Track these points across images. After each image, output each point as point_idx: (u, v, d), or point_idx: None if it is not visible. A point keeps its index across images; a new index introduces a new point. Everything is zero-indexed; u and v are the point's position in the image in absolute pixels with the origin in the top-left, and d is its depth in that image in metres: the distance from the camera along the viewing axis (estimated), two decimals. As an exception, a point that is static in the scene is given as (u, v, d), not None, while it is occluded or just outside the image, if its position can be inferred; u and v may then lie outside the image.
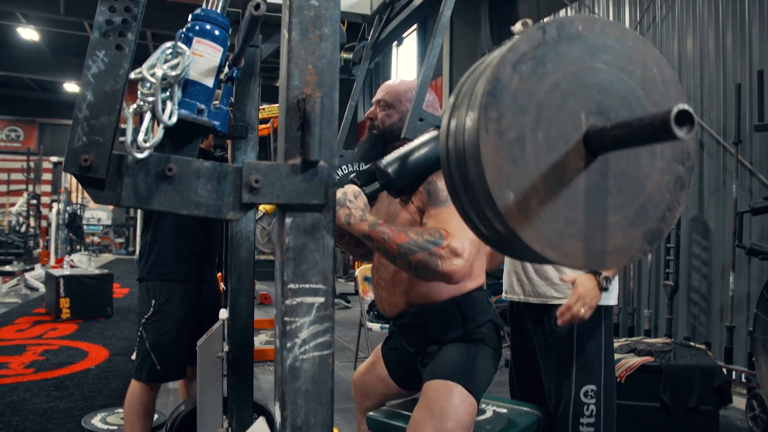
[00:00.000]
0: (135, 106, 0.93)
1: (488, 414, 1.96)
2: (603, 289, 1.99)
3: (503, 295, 2.37)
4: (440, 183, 1.67)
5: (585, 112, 0.79)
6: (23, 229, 14.60)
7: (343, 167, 2.27)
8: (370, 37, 2.05)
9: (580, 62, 0.80)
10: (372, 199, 1.66)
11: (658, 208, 0.84)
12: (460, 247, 1.53)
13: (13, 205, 15.80)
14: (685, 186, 0.86)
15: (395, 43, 12.24)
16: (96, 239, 20.58)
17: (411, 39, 11.71)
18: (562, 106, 0.78)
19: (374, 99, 1.94)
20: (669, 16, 5.49)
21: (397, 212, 1.82)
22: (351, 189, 1.62)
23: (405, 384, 2.03)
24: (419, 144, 1.54)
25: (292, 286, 0.89)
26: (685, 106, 0.66)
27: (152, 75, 0.92)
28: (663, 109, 0.74)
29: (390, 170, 1.52)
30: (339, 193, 1.61)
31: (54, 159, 17.63)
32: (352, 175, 1.70)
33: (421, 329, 1.85)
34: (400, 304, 1.87)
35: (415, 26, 10.98)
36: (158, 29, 11.49)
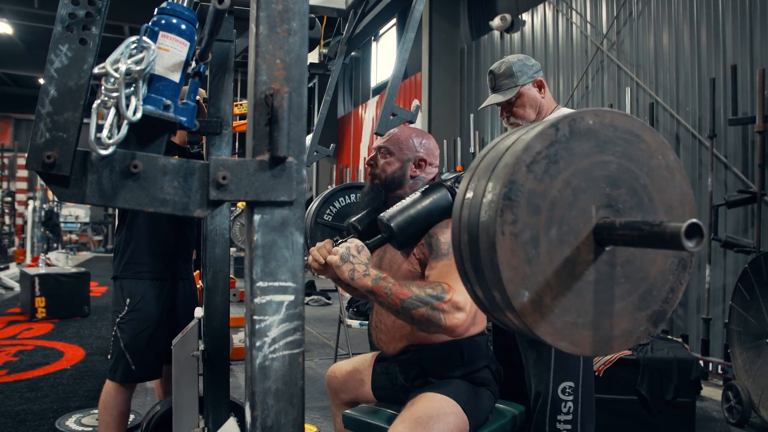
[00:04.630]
0: (99, 101, 0.91)
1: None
2: None
3: None
4: (441, 236, 1.69)
5: (595, 205, 0.82)
6: (-2, 227, 14.37)
7: (341, 199, 2.30)
8: (344, 32, 2.04)
9: (591, 156, 0.82)
10: (373, 251, 1.68)
11: (661, 290, 0.87)
12: (462, 300, 1.54)
13: (-13, 203, 15.52)
14: (687, 267, 0.88)
15: (373, 38, 12.20)
16: (74, 237, 20.32)
17: (391, 34, 11.69)
18: (573, 201, 0.81)
19: (374, 145, 1.94)
20: (645, 11, 5.53)
21: (398, 263, 1.83)
22: (354, 243, 1.64)
23: (380, 394, 2.03)
24: (420, 197, 1.57)
25: (261, 284, 0.88)
26: (695, 220, 0.67)
27: (116, 70, 0.90)
28: (668, 197, 0.81)
29: (392, 224, 1.55)
30: (342, 248, 1.64)
31: (29, 155, 17.30)
32: (351, 220, 1.72)
33: (420, 366, 1.85)
34: (402, 344, 1.88)
35: (394, 21, 10.97)
36: (136, 23, 11.33)
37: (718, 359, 4.35)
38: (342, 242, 1.65)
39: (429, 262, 1.71)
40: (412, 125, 1.91)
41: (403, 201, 1.62)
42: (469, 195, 0.86)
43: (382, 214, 1.61)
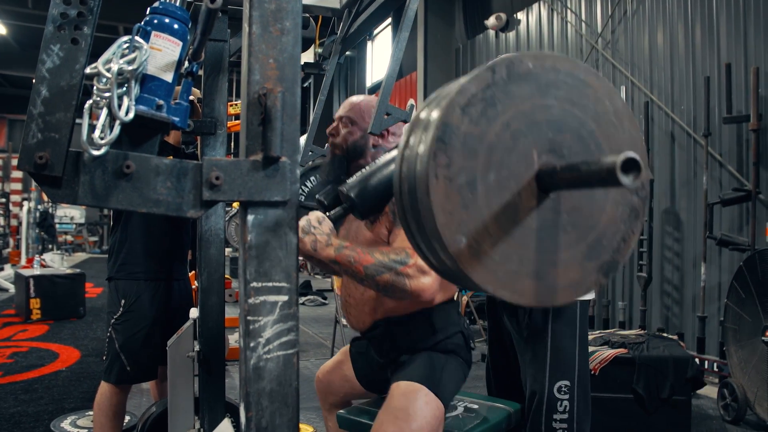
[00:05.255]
0: (91, 101, 0.90)
1: (459, 410, 1.95)
2: None
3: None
4: None
5: (537, 150, 0.79)
6: (-7, 228, 14.32)
7: (312, 179, 2.27)
8: (339, 31, 2.03)
9: (531, 100, 0.79)
10: (337, 222, 1.65)
11: (612, 239, 0.84)
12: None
13: (-19, 204, 15.46)
14: (639, 215, 0.86)
15: (367, 37, 12.20)
16: (69, 238, 20.26)
17: (386, 33, 11.68)
18: (513, 146, 0.78)
19: (336, 115, 1.92)
20: (640, 10, 5.54)
21: (363, 233, 1.82)
22: (315, 215, 1.62)
23: (371, 387, 2.03)
24: (381, 165, 1.54)
25: (254, 284, 0.88)
26: (632, 154, 0.65)
27: (108, 70, 0.90)
28: (616, 143, 0.77)
29: (353, 194, 1.52)
30: (303, 220, 1.61)
31: (23, 156, 17.24)
32: (317, 195, 1.70)
33: (390, 340, 1.85)
34: (371, 319, 1.87)
35: (389, 20, 10.96)
36: (130, 23, 11.31)
37: (714, 357, 4.36)
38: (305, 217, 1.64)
39: (393, 229, 1.69)
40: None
41: (363, 170, 1.59)
42: (407, 149, 0.84)
43: (342, 185, 1.59)
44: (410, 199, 0.82)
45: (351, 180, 1.56)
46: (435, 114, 0.78)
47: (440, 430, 1.71)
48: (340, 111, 1.90)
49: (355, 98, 1.93)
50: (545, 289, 0.80)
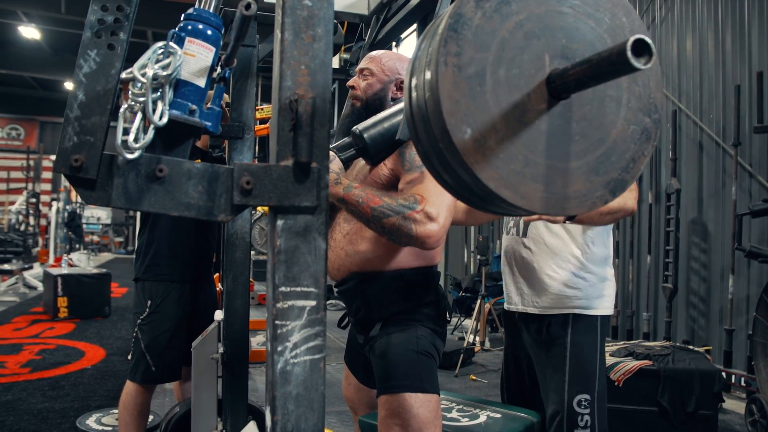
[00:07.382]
0: (126, 106, 0.92)
1: (482, 418, 1.94)
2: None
3: (505, 305, 2.32)
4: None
5: (549, 54, 0.79)
6: (22, 227, 14.59)
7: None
8: (367, 37, 2.04)
9: (546, 4, 0.79)
10: (346, 165, 1.64)
11: (622, 157, 0.83)
12: (435, 212, 1.51)
13: (12, 203, 15.77)
14: (651, 138, 0.85)
15: (394, 43, 12.21)
16: (95, 238, 20.57)
17: (412, 39, 11.68)
18: (525, 46, 0.77)
19: (357, 68, 1.90)
20: (668, 17, 5.47)
21: (368, 178, 1.77)
22: None
23: (371, 382, 1.97)
24: (396, 110, 1.53)
25: (283, 289, 0.88)
26: (642, 36, 0.64)
27: (143, 75, 0.91)
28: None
29: (366, 135, 1.50)
30: None
31: (54, 157, 17.60)
32: (333, 146, 1.69)
33: (362, 296, 1.79)
34: (347, 268, 1.80)
35: (415, 26, 10.96)
36: (159, 29, 11.46)
37: (741, 371, 4.28)
38: None
39: (402, 175, 1.66)
40: None
41: (378, 114, 1.57)
42: (419, 51, 0.83)
43: (355, 127, 1.56)
44: (418, 103, 0.81)
45: (364, 122, 1.53)
46: (448, 10, 0.78)
47: (439, 415, 1.67)
48: (361, 64, 1.90)
49: (376, 52, 1.92)
50: (553, 195, 0.79)
